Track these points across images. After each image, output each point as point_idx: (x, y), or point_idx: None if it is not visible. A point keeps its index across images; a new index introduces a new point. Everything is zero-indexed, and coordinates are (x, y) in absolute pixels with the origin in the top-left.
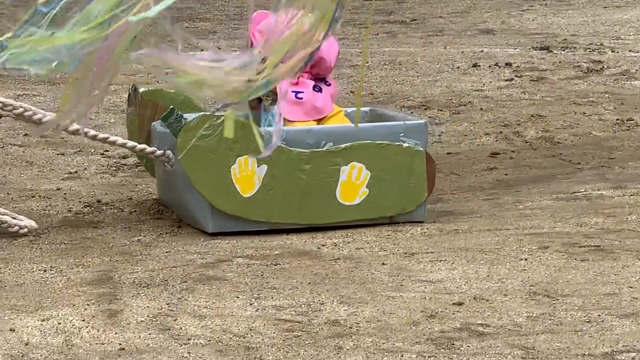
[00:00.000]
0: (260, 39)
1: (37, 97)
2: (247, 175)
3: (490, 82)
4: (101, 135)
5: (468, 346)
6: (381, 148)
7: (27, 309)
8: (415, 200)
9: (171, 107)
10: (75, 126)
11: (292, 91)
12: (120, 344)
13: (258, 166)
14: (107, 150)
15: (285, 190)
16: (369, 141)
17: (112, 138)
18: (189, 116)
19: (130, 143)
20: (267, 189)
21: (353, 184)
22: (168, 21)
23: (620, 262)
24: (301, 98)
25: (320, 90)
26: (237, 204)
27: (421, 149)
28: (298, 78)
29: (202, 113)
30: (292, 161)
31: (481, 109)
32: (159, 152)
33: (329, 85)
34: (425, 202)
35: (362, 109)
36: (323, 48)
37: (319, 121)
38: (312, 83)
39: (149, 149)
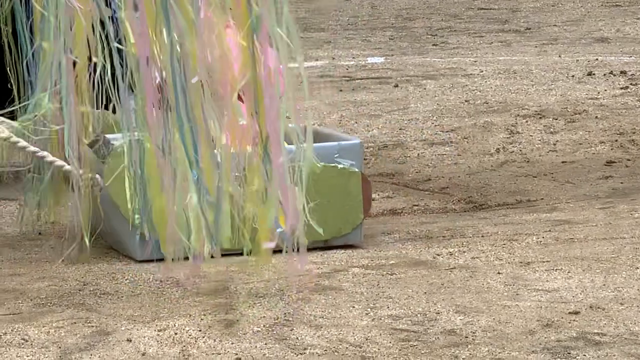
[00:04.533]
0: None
1: None
2: None
3: (605, 90)
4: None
5: (584, 355)
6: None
7: (143, 319)
8: (351, 222)
9: (97, 133)
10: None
11: None
12: (237, 354)
13: None
14: None
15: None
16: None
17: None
18: (116, 140)
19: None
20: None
21: None
22: None
23: None
24: None
25: None
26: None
27: (356, 169)
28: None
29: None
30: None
31: (596, 117)
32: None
33: None
34: (361, 224)
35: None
36: None
37: None
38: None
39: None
